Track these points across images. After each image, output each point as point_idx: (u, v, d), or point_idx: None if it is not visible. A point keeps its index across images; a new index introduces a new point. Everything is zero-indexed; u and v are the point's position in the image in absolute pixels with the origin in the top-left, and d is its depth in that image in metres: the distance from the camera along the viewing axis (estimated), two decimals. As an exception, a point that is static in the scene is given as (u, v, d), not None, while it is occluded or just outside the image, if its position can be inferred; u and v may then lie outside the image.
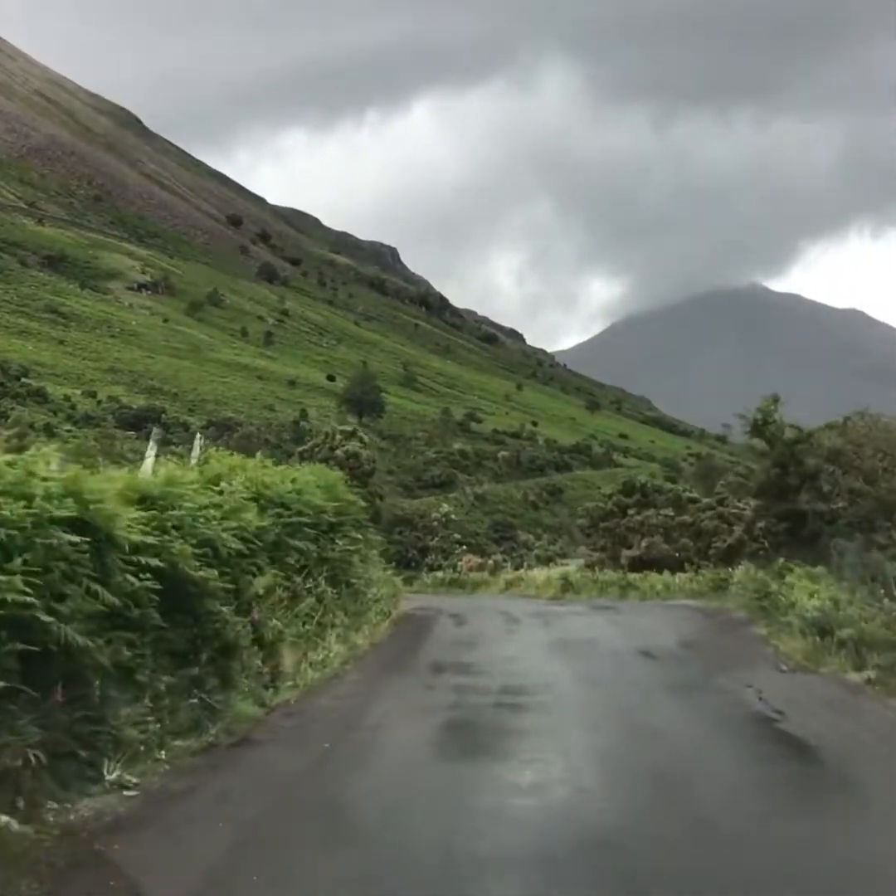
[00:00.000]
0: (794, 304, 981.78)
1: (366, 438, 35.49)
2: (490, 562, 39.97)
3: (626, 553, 33.19)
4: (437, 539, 46.26)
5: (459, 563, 40.94)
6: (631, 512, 35.46)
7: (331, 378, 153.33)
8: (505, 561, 40.80)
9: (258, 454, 14.91)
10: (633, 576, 29.64)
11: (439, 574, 41.17)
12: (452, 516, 47.16)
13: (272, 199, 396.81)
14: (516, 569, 39.56)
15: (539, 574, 35.61)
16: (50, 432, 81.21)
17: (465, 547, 45.56)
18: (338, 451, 35.28)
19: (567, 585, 30.94)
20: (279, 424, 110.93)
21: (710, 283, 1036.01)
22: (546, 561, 43.44)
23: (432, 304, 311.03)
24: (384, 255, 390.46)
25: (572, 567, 35.11)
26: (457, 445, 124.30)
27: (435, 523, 47.00)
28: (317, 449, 36.11)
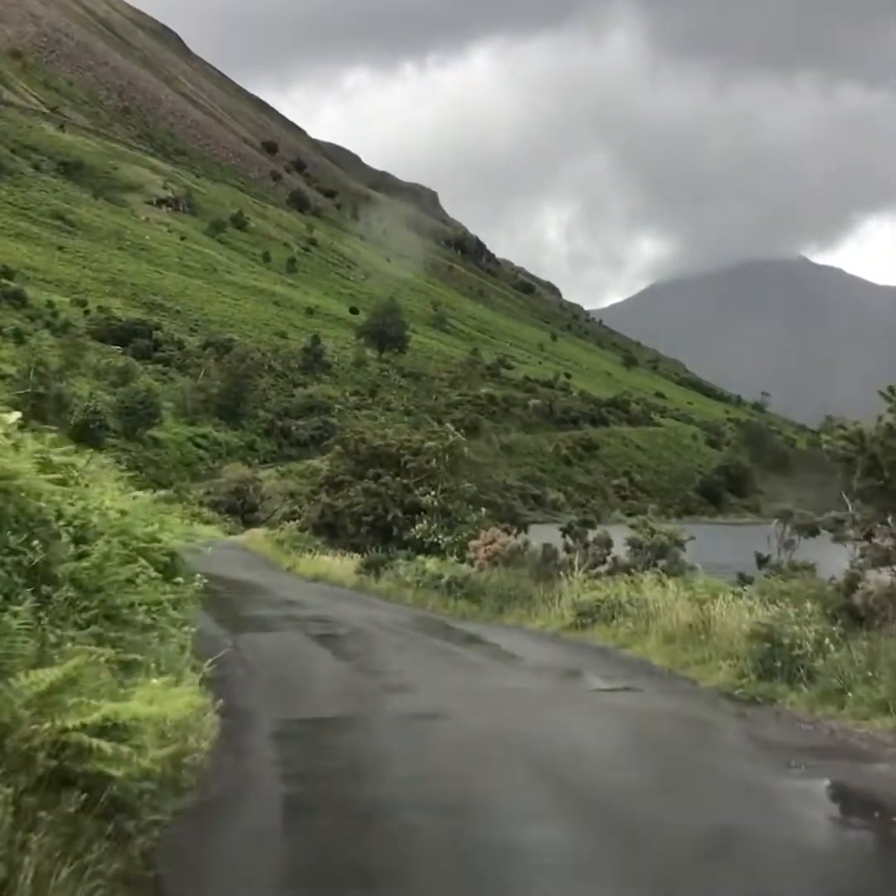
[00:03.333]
0: (834, 278, 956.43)
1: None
2: (533, 546, 19.33)
3: None
4: (437, 492, 26.53)
5: (473, 544, 21.67)
6: None
7: (353, 311, 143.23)
8: (571, 551, 18.52)
9: None
10: None
11: (430, 565, 22.30)
12: (467, 451, 29.37)
13: (318, 134, 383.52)
14: (593, 567, 17.79)
15: (673, 601, 14.02)
16: (19, 338, 71.76)
17: (484, 510, 26.85)
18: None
19: (778, 654, 10.32)
20: (288, 352, 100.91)
21: (756, 251, 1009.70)
22: (657, 552, 17.55)
23: (468, 248, 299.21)
24: (423, 197, 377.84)
25: (750, 593, 13.08)
26: (484, 390, 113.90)
27: (434, 463, 27.07)
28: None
